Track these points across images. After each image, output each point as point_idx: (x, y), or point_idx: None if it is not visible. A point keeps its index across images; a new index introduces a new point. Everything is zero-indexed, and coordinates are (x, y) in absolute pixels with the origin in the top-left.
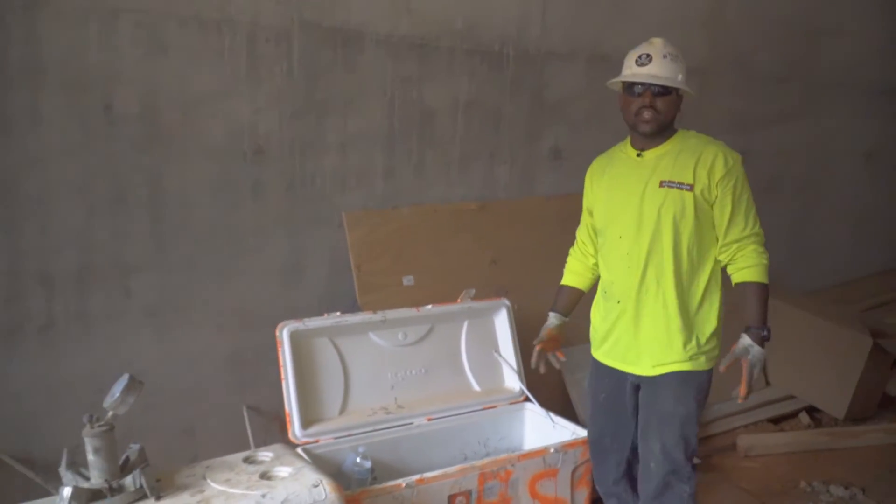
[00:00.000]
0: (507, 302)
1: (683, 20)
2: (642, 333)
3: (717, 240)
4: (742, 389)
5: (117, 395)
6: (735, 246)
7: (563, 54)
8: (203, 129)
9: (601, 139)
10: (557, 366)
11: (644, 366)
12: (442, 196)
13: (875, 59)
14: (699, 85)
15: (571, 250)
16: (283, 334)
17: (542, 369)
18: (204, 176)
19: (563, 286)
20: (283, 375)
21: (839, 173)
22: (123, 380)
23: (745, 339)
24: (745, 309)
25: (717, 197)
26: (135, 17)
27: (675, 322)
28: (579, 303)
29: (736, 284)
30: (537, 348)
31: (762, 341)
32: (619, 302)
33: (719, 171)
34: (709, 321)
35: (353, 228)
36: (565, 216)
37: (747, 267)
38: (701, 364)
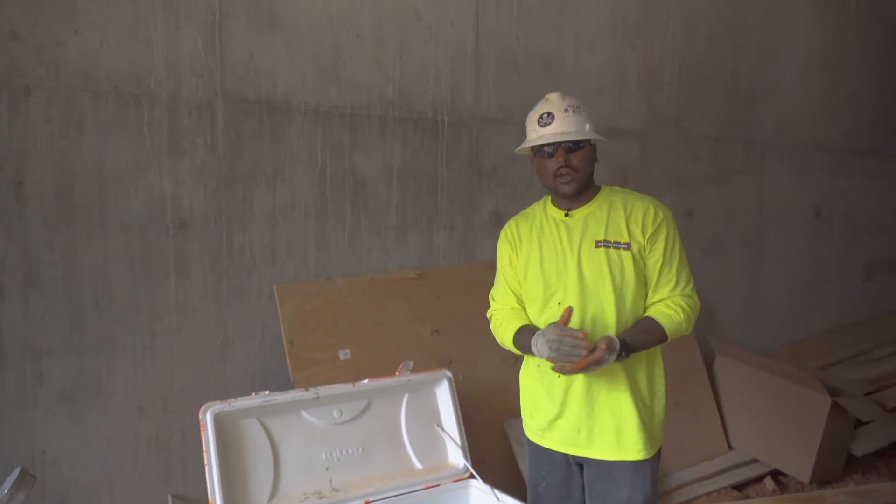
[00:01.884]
0: (448, 373)
1: (619, 82)
2: (597, 411)
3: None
4: (576, 365)
5: (6, 490)
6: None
7: (499, 119)
8: (122, 203)
9: (541, 199)
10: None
11: (597, 448)
12: (378, 265)
13: (814, 117)
14: (640, 147)
15: (498, 317)
16: (207, 417)
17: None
18: (123, 252)
19: (524, 326)
20: (206, 461)
21: (788, 230)
22: (14, 474)
23: (616, 346)
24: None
25: (647, 254)
26: (47, 93)
27: (627, 396)
28: None
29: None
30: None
31: (619, 356)
32: (559, 376)
33: (650, 225)
34: (658, 393)
35: (285, 301)
36: None
37: (661, 312)
38: (655, 443)
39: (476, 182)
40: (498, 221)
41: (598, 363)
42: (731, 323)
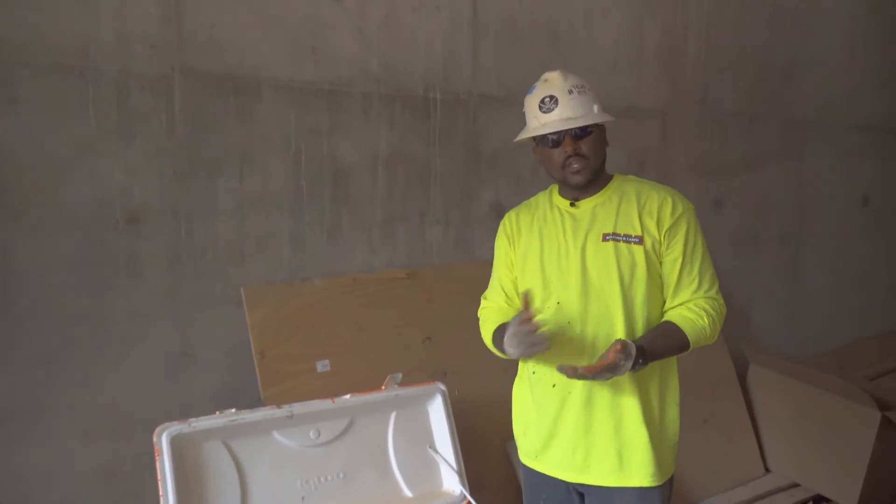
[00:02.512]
0: (442, 387)
1: (637, 54)
2: (596, 428)
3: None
4: (589, 368)
5: None
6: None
7: (500, 98)
8: (63, 195)
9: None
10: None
11: (596, 473)
12: (362, 264)
13: (861, 93)
14: (661, 129)
15: (483, 316)
16: (163, 440)
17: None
18: (64, 251)
19: (503, 324)
20: (161, 491)
21: (831, 222)
22: None
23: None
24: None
25: (664, 251)
26: None
27: (633, 410)
28: None
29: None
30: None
31: (635, 363)
32: (554, 386)
33: (667, 219)
34: (671, 409)
35: (254, 306)
36: None
37: (682, 315)
38: (667, 469)
39: (474, 170)
40: (499, 214)
41: (612, 370)
42: (766, 328)
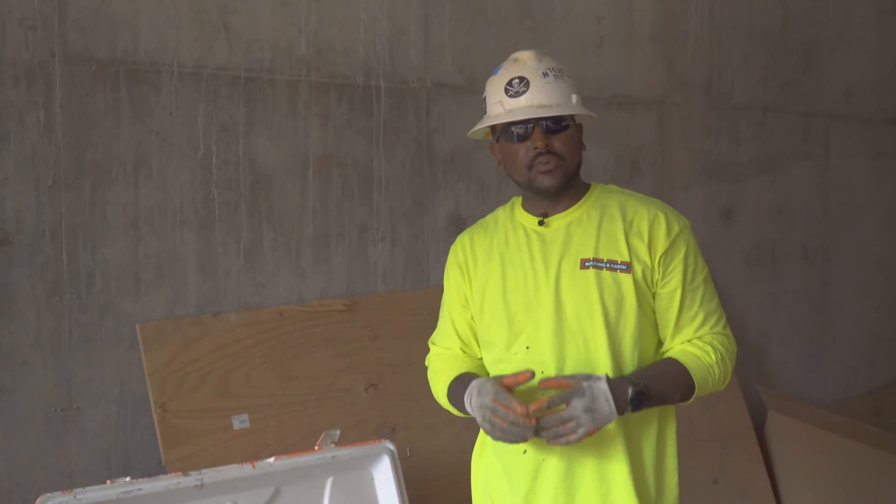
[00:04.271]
0: (390, 446)
1: (626, 33)
2: (578, 502)
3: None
4: (534, 404)
5: None
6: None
7: (458, 86)
8: None
9: None
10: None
11: None
12: (289, 293)
13: (894, 81)
14: (658, 122)
15: (434, 365)
16: None
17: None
18: None
19: (463, 375)
20: None
21: (864, 234)
22: None
23: (600, 383)
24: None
25: (658, 280)
26: None
27: (625, 476)
28: None
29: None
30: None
31: (624, 401)
32: (525, 452)
33: (661, 241)
34: (669, 471)
35: (154, 348)
36: None
37: (684, 352)
38: None
39: (428, 174)
40: (459, 229)
41: (589, 412)
42: (787, 367)
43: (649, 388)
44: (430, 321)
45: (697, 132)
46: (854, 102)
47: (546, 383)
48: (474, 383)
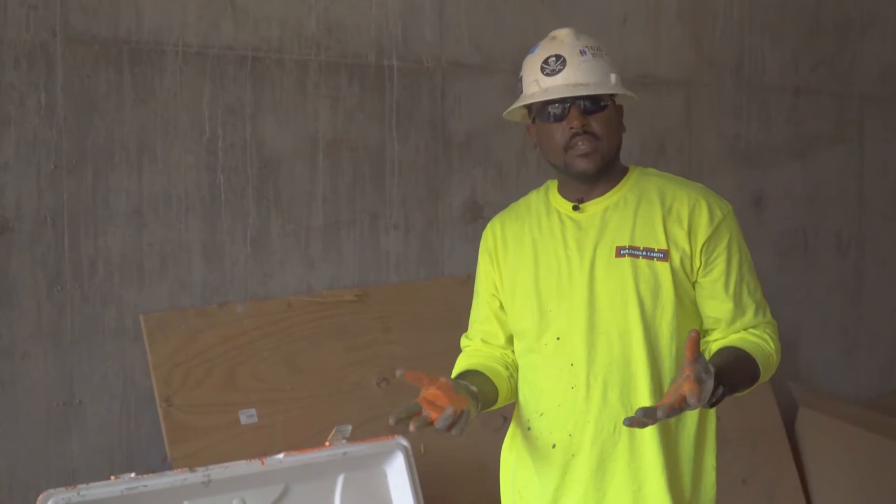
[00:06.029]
0: (403, 442)
1: (652, 9)
2: (610, 498)
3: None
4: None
5: None
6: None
7: (475, 65)
8: None
9: (541, 184)
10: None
11: None
12: (298, 284)
13: None
14: (685, 104)
15: (458, 360)
16: None
17: (411, 427)
18: None
19: (470, 370)
20: None
21: None
22: None
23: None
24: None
25: (699, 269)
26: None
27: (659, 473)
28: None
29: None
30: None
31: (713, 396)
32: (554, 447)
33: (702, 228)
34: (707, 471)
35: (158, 340)
36: None
37: (743, 339)
38: None
39: (442, 159)
40: (475, 216)
41: (696, 401)
42: (819, 361)
43: (728, 385)
44: (444, 312)
45: (727, 114)
46: (890, 84)
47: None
48: None
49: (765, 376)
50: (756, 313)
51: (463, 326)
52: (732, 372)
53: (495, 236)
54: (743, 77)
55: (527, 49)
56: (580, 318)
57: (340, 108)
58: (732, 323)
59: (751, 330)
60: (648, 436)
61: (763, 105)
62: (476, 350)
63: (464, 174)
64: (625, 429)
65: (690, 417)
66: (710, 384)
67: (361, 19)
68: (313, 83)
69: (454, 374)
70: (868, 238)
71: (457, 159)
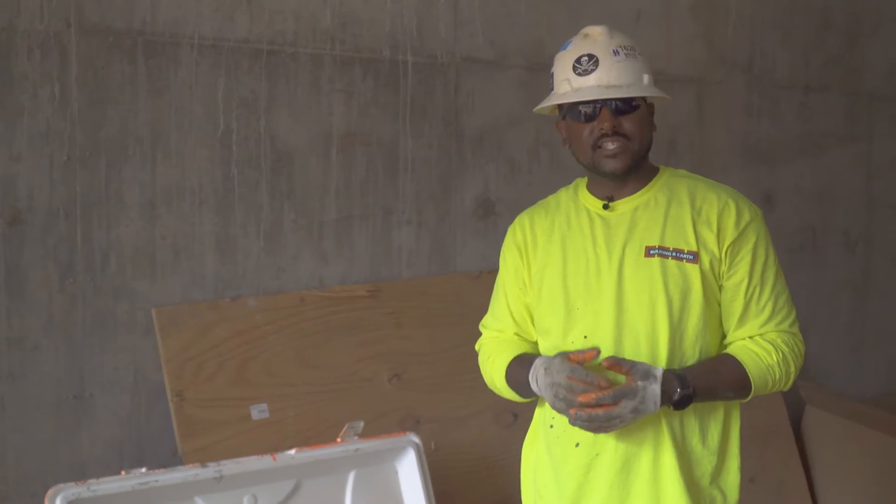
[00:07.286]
0: (415, 438)
1: (665, 7)
2: (633, 498)
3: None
4: (588, 396)
5: None
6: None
7: (490, 60)
8: None
9: (556, 182)
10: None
11: None
12: (311, 278)
13: None
14: (696, 101)
15: (487, 349)
16: None
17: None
18: None
19: (522, 355)
20: None
21: None
22: None
23: (654, 386)
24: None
25: (724, 272)
26: None
27: (676, 474)
28: None
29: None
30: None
31: (671, 396)
32: (578, 445)
33: (730, 230)
34: (732, 471)
35: (170, 333)
36: None
37: (744, 348)
38: None
39: (455, 154)
40: (487, 212)
41: (635, 412)
42: (826, 359)
43: (697, 388)
44: (457, 308)
45: (738, 111)
46: None
47: (610, 363)
48: (539, 361)
49: (763, 384)
50: (773, 317)
51: (475, 322)
52: (705, 375)
53: (524, 230)
54: (753, 74)
55: (539, 44)
56: (608, 317)
57: (354, 102)
58: (747, 325)
59: (757, 339)
60: (672, 436)
61: (773, 102)
62: (511, 340)
63: (476, 169)
64: (650, 429)
65: (715, 420)
66: (652, 388)
67: (376, 14)
68: (328, 77)
69: (510, 357)
70: (877, 236)
71: (470, 154)
